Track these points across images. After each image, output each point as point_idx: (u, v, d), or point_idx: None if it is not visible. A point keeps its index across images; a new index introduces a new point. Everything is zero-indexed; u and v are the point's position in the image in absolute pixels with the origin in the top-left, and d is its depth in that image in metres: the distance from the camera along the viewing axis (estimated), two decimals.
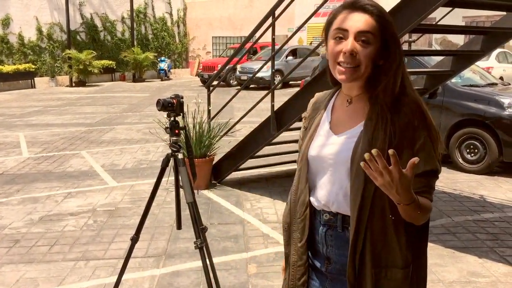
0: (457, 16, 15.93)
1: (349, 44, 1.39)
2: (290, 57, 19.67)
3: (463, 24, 17.40)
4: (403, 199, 1.27)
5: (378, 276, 1.42)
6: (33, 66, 20.17)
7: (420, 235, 1.48)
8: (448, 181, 6.40)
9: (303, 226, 1.54)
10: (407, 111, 1.39)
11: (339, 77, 1.44)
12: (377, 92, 1.42)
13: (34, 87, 20.01)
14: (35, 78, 20.23)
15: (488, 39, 5.18)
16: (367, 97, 1.46)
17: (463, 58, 5.45)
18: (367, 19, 1.39)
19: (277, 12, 5.31)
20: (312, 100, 1.68)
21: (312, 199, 1.53)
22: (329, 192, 1.48)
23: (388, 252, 1.42)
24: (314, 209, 1.54)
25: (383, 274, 1.42)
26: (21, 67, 19.55)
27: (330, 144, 1.49)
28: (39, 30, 21.40)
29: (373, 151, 1.20)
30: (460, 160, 6.87)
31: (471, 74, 7.63)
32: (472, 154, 6.76)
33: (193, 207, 2.81)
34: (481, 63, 11.45)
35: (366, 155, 1.21)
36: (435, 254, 4.13)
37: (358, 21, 1.39)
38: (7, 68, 19.01)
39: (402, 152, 1.35)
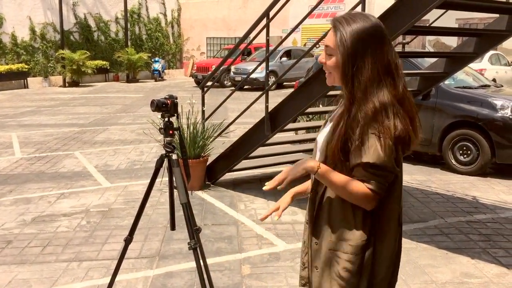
0: (451, 18, 16.00)
1: (322, 55, 1.74)
2: (284, 58, 19.69)
3: (456, 26, 17.49)
4: (294, 174, 1.69)
5: (330, 248, 1.70)
6: (26, 66, 20.05)
7: (380, 221, 1.69)
8: (441, 182, 6.42)
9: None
10: (360, 116, 1.61)
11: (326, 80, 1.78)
12: (343, 94, 1.71)
13: (27, 87, 19.90)
14: (28, 78, 20.10)
15: (481, 41, 5.21)
16: None
17: (456, 60, 5.48)
18: (330, 33, 1.69)
19: (271, 13, 5.31)
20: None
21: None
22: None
23: (341, 225, 1.69)
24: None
25: (333, 246, 1.70)
26: (14, 67, 19.42)
27: (321, 132, 1.84)
28: (32, 30, 21.28)
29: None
30: (453, 161, 6.90)
31: (464, 76, 7.68)
32: (465, 156, 6.79)
33: (187, 208, 2.81)
34: (474, 65, 11.50)
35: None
36: (428, 255, 4.15)
37: (327, 36, 1.71)
38: (0, 68, 18.89)
39: (352, 144, 1.62)
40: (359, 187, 1.61)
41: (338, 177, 1.65)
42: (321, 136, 1.80)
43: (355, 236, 1.67)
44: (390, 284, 1.78)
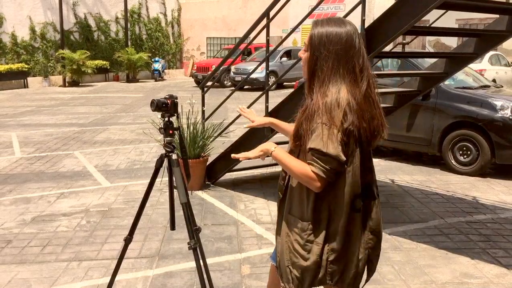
0: (451, 19, 16.01)
1: (301, 51, 2.00)
2: (284, 58, 19.69)
3: (456, 26, 17.49)
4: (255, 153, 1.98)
5: (288, 223, 1.99)
6: (26, 66, 20.05)
7: (331, 204, 1.91)
8: (441, 182, 6.43)
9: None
10: (314, 107, 1.85)
11: None
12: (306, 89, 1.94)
13: (27, 87, 19.90)
14: (28, 78, 20.11)
15: (481, 41, 5.21)
16: None
17: (456, 61, 5.48)
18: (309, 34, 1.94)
19: (271, 14, 5.31)
20: None
21: None
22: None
23: (297, 206, 1.96)
24: None
25: (291, 222, 1.98)
26: (14, 66, 19.43)
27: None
28: (32, 30, 21.28)
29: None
30: (453, 161, 6.90)
31: (464, 76, 7.68)
32: (465, 156, 6.80)
33: (187, 208, 2.81)
34: (474, 66, 11.51)
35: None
36: (428, 255, 4.15)
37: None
38: (0, 67, 18.89)
39: (298, 128, 1.91)
40: (305, 169, 1.84)
41: (289, 160, 1.90)
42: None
43: (307, 215, 1.92)
44: (346, 260, 1.97)
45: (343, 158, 1.82)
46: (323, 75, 1.86)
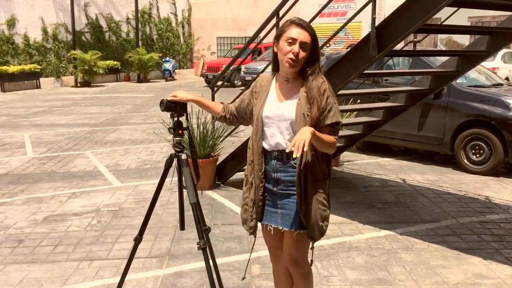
0: (463, 17, 15.86)
1: (296, 48, 2.34)
2: None
3: (468, 24, 17.32)
4: (308, 136, 2.20)
5: (313, 185, 2.42)
6: (38, 67, 20.24)
7: (329, 161, 2.50)
8: (453, 182, 6.36)
9: (260, 162, 2.50)
10: (323, 87, 2.38)
11: (286, 66, 2.38)
12: (307, 75, 2.40)
13: (39, 88, 20.09)
14: (40, 79, 20.30)
15: (493, 39, 5.15)
16: (299, 78, 2.43)
17: (468, 59, 5.42)
18: (306, 35, 2.36)
19: (281, 13, 5.29)
20: (259, 79, 2.61)
21: (264, 144, 2.48)
22: (279, 138, 2.43)
23: (318, 173, 2.42)
24: (265, 150, 2.49)
25: (317, 186, 2.43)
26: (27, 67, 19.61)
27: (277, 108, 2.44)
28: (44, 31, 21.46)
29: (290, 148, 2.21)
30: (465, 161, 6.84)
31: (476, 74, 7.60)
32: (478, 155, 6.72)
33: (197, 207, 2.80)
34: (487, 64, 11.39)
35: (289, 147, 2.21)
36: (440, 255, 4.11)
37: (302, 35, 2.35)
38: (13, 68, 19.08)
39: (319, 108, 2.35)
40: (332, 138, 2.37)
41: (322, 135, 2.33)
42: (276, 111, 2.42)
43: (326, 174, 2.48)
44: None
45: None
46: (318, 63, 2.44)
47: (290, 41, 2.34)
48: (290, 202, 2.47)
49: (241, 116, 2.69)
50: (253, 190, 2.53)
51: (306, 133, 2.20)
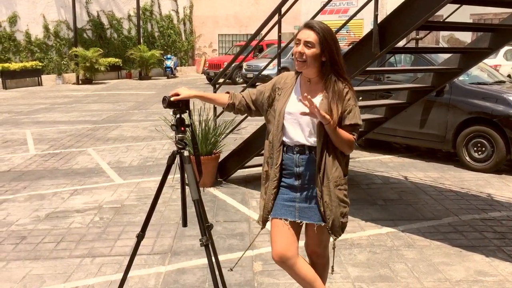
0: (465, 14, 15.83)
1: (300, 47, 2.46)
2: None
3: (470, 21, 17.28)
4: (324, 121, 2.37)
5: (335, 183, 2.50)
6: (40, 64, 20.25)
7: (347, 162, 2.61)
8: (455, 179, 6.36)
9: (278, 156, 2.57)
10: (345, 89, 2.48)
11: (296, 66, 2.51)
12: (328, 77, 2.47)
13: (41, 85, 20.10)
14: (42, 76, 20.30)
15: (496, 36, 5.14)
16: (321, 79, 2.51)
17: (470, 56, 5.41)
18: (311, 33, 2.44)
19: (283, 10, 5.29)
20: (283, 76, 2.68)
21: (285, 139, 2.56)
22: (299, 133, 2.53)
23: (337, 169, 2.51)
24: (286, 145, 2.56)
25: (338, 182, 2.51)
26: (28, 64, 19.63)
27: (300, 106, 2.46)
28: (46, 28, 21.47)
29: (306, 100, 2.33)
30: (467, 158, 6.83)
31: (478, 72, 7.59)
32: (480, 153, 6.72)
33: (199, 204, 2.80)
34: (489, 61, 11.38)
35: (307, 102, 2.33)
36: (442, 252, 4.11)
37: (306, 34, 2.46)
38: (14, 65, 19.10)
39: (339, 112, 2.44)
40: (349, 137, 2.47)
41: (340, 131, 2.44)
42: (299, 109, 2.44)
43: (345, 172, 2.56)
44: None
45: None
46: (339, 64, 2.49)
47: (297, 42, 2.48)
48: (310, 197, 2.55)
49: (256, 106, 2.73)
50: (269, 183, 2.61)
51: (319, 113, 2.34)
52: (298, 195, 2.56)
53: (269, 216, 2.64)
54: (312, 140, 2.50)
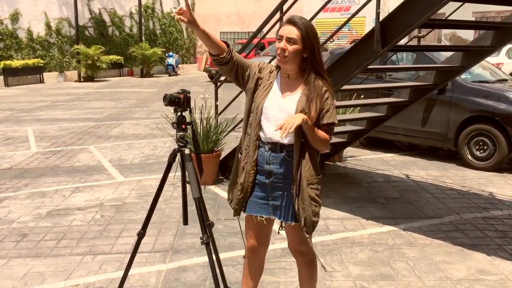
0: (467, 12, 15.77)
1: (282, 43, 2.45)
2: None
3: (473, 19, 17.23)
4: (302, 123, 2.35)
5: (308, 182, 2.50)
6: (42, 61, 20.24)
7: (320, 160, 2.69)
8: (457, 178, 6.35)
9: (254, 149, 2.57)
10: (323, 87, 2.48)
11: (278, 62, 2.51)
12: (308, 74, 2.48)
13: (43, 82, 20.10)
14: (43, 73, 20.30)
15: (498, 34, 5.12)
16: (301, 76, 2.52)
17: (472, 54, 5.39)
18: (293, 29, 2.43)
19: (285, 7, 5.27)
20: (266, 66, 2.63)
21: (260, 134, 2.56)
22: (273, 130, 2.45)
23: (310, 168, 2.51)
24: (261, 140, 2.56)
25: (310, 181, 2.51)
26: (30, 62, 19.62)
27: (278, 102, 2.52)
28: (48, 25, 21.45)
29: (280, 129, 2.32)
30: (469, 156, 6.82)
31: (481, 70, 7.57)
32: (481, 151, 6.70)
33: (200, 202, 2.80)
34: (491, 59, 11.34)
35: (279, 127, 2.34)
36: (443, 251, 4.11)
37: (288, 30, 2.45)
38: (16, 63, 19.09)
39: (317, 109, 2.45)
40: (326, 135, 2.50)
41: (317, 130, 2.47)
42: (277, 105, 2.50)
43: (318, 170, 2.56)
44: None
45: None
46: (319, 62, 2.50)
47: (279, 38, 2.47)
48: (282, 195, 2.56)
49: (241, 73, 2.58)
50: (244, 174, 2.61)
51: (297, 117, 2.35)
52: (270, 193, 2.58)
53: (245, 212, 2.68)
54: (286, 139, 2.49)
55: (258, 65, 2.63)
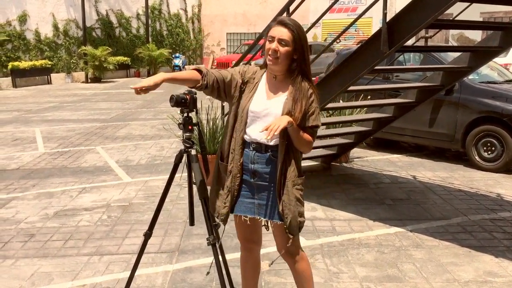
0: (475, 12, 15.69)
1: (274, 45, 2.46)
2: None
3: (480, 20, 17.14)
4: (288, 125, 2.38)
5: (293, 183, 2.53)
6: (50, 62, 20.35)
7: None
8: (465, 179, 6.31)
9: (239, 152, 2.57)
10: (309, 90, 2.51)
11: (269, 63, 2.51)
12: (296, 75, 2.50)
13: (50, 83, 20.21)
14: (51, 74, 20.41)
15: (506, 35, 5.09)
16: (288, 77, 2.53)
17: (480, 55, 5.36)
18: (285, 31, 2.45)
19: (291, 8, 5.27)
20: (250, 69, 2.64)
21: (245, 136, 2.56)
22: (258, 131, 2.48)
23: (294, 169, 2.53)
24: (245, 141, 2.56)
25: (295, 182, 2.54)
26: (38, 63, 19.73)
27: (264, 103, 2.53)
28: (55, 27, 21.57)
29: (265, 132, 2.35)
30: (477, 158, 6.77)
31: (488, 70, 7.52)
32: (489, 152, 6.66)
33: (206, 203, 2.80)
34: (499, 60, 11.26)
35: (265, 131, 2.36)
36: (451, 253, 4.08)
37: (280, 32, 2.46)
38: (24, 64, 19.21)
39: (303, 111, 2.46)
40: (310, 137, 2.53)
41: (302, 133, 2.50)
42: (263, 107, 2.51)
43: (301, 171, 2.59)
44: None
45: None
46: (307, 64, 2.52)
47: (269, 39, 2.48)
48: (267, 194, 2.58)
49: (223, 89, 2.59)
50: (230, 178, 2.61)
51: (283, 119, 2.37)
52: (255, 192, 2.60)
53: (232, 213, 2.69)
54: (272, 141, 2.51)
55: (239, 72, 2.61)
